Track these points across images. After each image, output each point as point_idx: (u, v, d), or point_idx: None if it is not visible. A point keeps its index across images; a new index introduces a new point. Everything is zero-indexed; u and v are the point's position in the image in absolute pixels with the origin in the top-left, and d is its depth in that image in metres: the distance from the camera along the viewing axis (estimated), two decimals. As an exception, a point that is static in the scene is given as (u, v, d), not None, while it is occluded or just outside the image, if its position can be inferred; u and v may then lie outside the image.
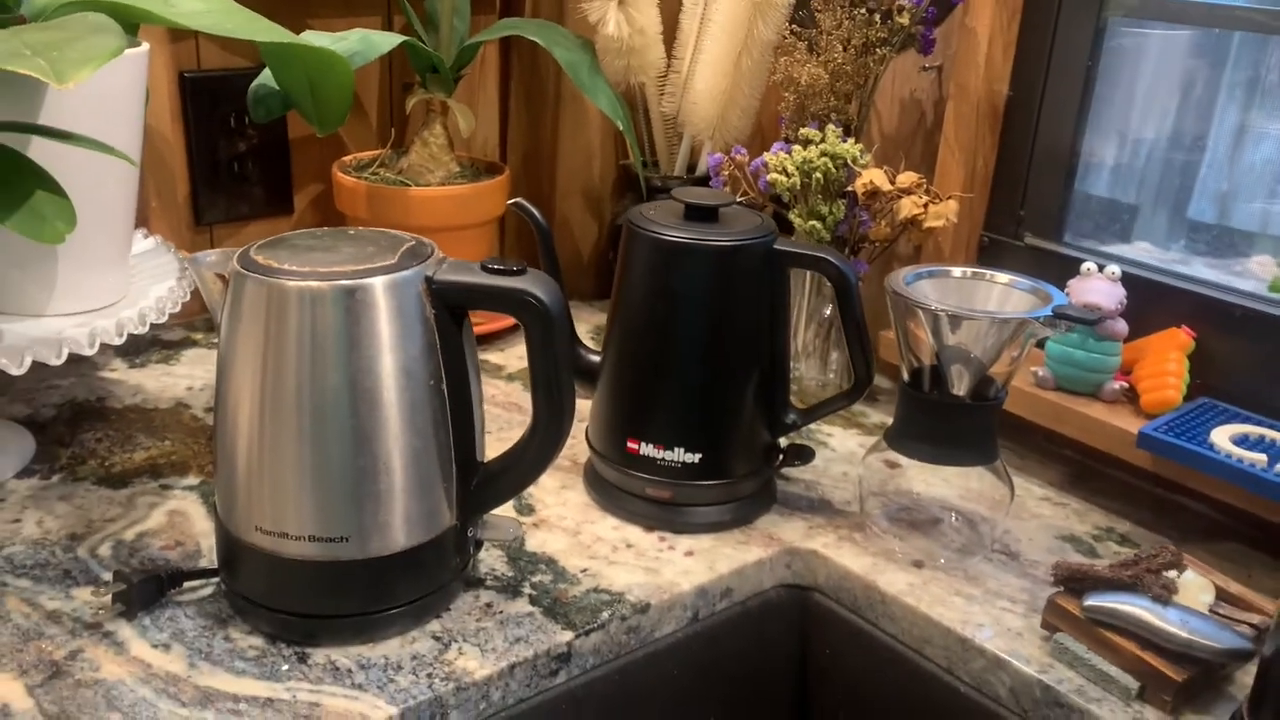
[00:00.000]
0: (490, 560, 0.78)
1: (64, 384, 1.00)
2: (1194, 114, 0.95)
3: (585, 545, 0.81)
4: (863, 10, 0.98)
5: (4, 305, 0.82)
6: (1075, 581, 0.72)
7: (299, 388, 0.64)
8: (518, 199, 0.86)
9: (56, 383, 1.00)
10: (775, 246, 0.81)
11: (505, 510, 0.80)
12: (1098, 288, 0.90)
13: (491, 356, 1.13)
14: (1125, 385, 0.91)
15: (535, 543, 0.81)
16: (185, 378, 1.04)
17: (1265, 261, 0.91)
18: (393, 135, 1.23)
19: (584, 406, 0.89)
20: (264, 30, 0.83)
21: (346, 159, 1.17)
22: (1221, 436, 0.82)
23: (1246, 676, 0.69)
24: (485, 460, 0.73)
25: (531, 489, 0.87)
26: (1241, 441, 0.82)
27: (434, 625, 0.71)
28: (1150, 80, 0.98)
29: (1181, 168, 0.97)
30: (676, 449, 0.81)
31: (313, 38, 0.98)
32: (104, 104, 0.79)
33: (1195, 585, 0.72)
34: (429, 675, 0.66)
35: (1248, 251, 0.93)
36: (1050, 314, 0.74)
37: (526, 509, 0.85)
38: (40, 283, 0.81)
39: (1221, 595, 0.73)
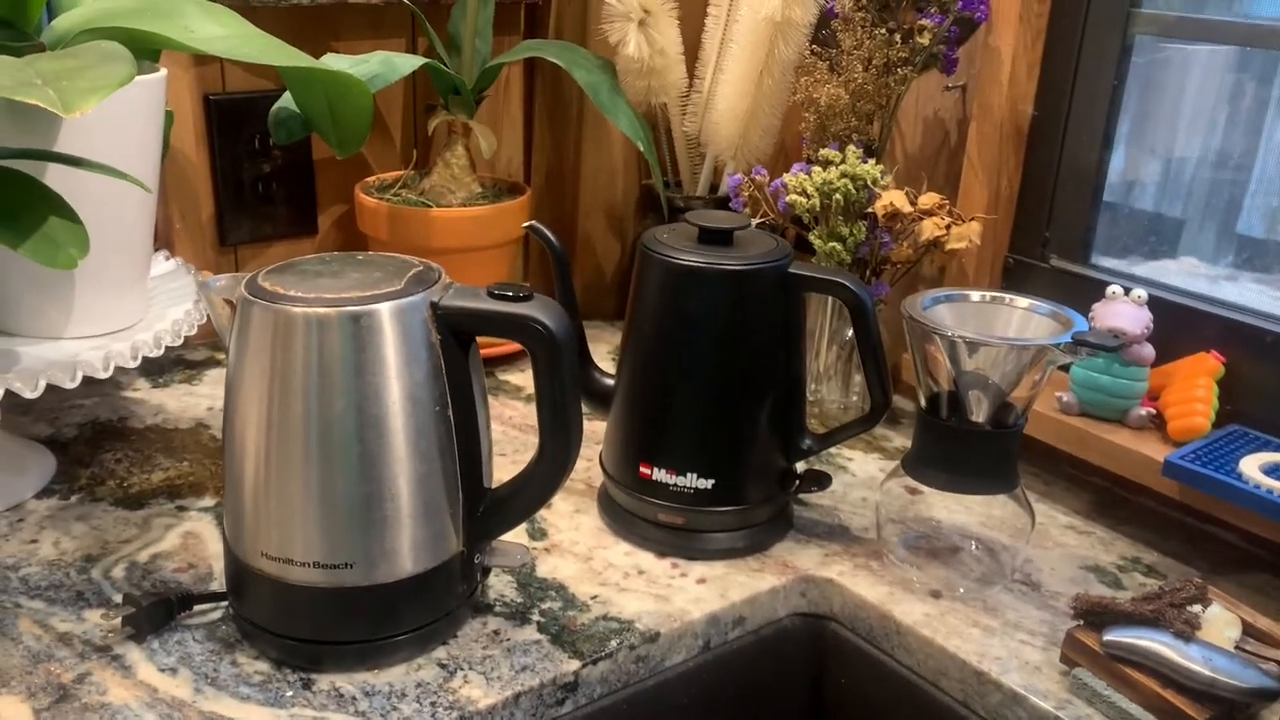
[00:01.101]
0: (500, 586, 0.78)
1: (87, 403, 1.02)
2: (1242, 128, 0.93)
3: (596, 571, 0.80)
4: (883, 30, 0.97)
5: (22, 328, 0.83)
6: (1095, 615, 0.71)
7: (305, 414, 0.64)
8: (532, 222, 0.85)
9: (80, 402, 1.02)
10: (790, 270, 0.80)
11: (516, 535, 0.80)
12: (1123, 312, 0.88)
13: (511, 378, 1.13)
14: (1152, 411, 0.89)
15: (546, 568, 0.80)
16: (207, 398, 1.04)
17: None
18: (415, 156, 1.24)
19: (599, 430, 0.88)
20: (283, 55, 0.84)
21: (369, 180, 1.17)
22: (1251, 466, 0.80)
23: (1274, 716, 0.67)
24: (493, 486, 0.72)
25: (544, 513, 0.87)
26: (1272, 471, 0.80)
27: (440, 652, 0.70)
28: (1196, 95, 0.97)
29: (1230, 182, 0.95)
30: (689, 474, 0.80)
31: (333, 61, 0.99)
32: (121, 129, 0.80)
33: (1221, 620, 0.70)
34: (433, 704, 0.66)
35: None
36: (1070, 340, 0.73)
37: (539, 533, 0.85)
38: (58, 306, 0.82)
39: (1249, 631, 0.71)
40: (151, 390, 1.05)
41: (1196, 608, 0.70)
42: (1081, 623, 0.71)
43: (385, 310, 0.64)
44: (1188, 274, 0.96)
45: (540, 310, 0.66)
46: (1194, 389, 0.86)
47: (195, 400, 1.04)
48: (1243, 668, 0.66)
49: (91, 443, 0.95)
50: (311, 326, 0.63)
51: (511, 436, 1.00)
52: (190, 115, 1.09)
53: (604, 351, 1.17)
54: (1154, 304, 0.89)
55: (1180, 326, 0.90)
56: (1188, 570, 0.84)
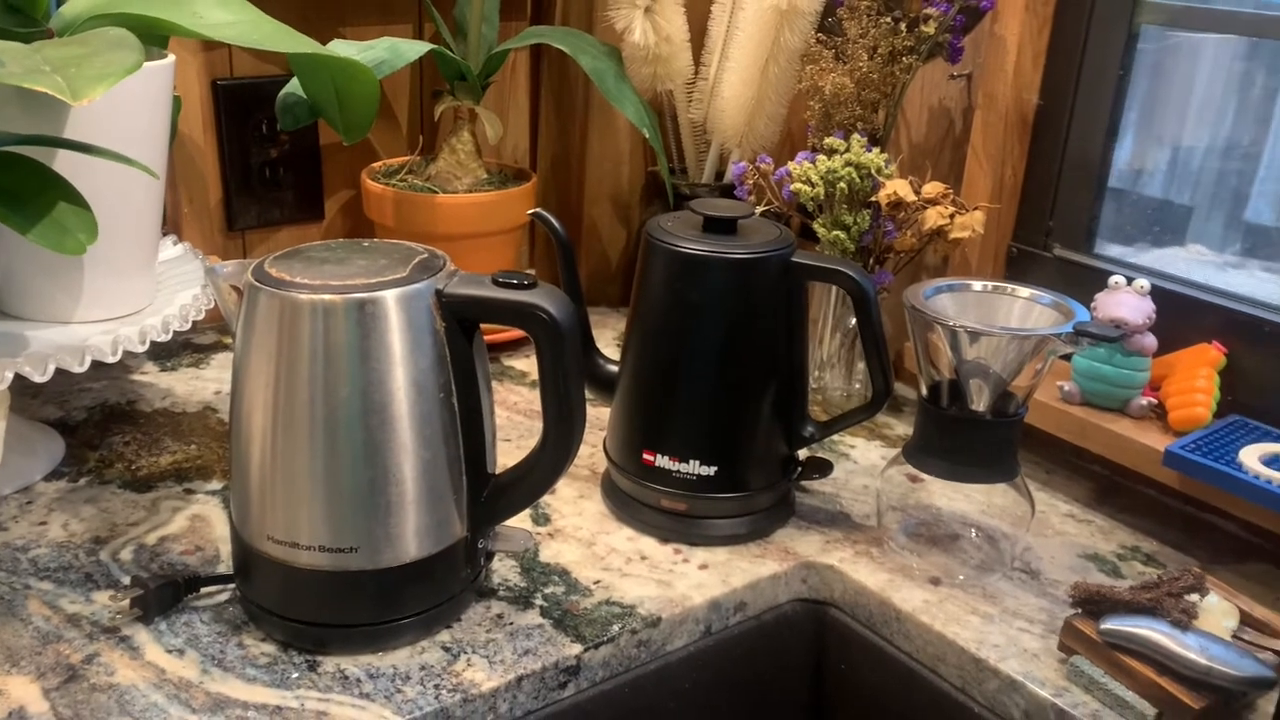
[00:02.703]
0: (504, 570, 0.78)
1: (96, 387, 1.02)
2: (1251, 116, 0.93)
3: (599, 556, 0.81)
4: (889, 19, 0.97)
5: (32, 312, 0.83)
6: (1093, 603, 0.71)
7: (311, 399, 0.64)
8: (537, 209, 0.86)
9: (89, 385, 1.02)
10: (793, 259, 0.80)
11: (520, 520, 0.81)
12: (1125, 301, 0.88)
13: (516, 363, 1.14)
14: (1154, 401, 0.89)
15: (550, 553, 0.81)
16: (214, 381, 1.05)
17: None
18: (421, 142, 1.24)
19: (604, 416, 0.89)
20: (290, 41, 0.84)
21: (376, 165, 1.18)
22: (1251, 456, 0.80)
23: (1269, 704, 0.67)
24: (496, 472, 0.73)
25: (548, 498, 0.87)
26: (1272, 462, 0.80)
27: (444, 636, 0.71)
28: (1206, 82, 0.96)
29: (1238, 170, 0.95)
30: (692, 461, 0.81)
31: (340, 47, 0.99)
32: (129, 115, 0.80)
33: (1218, 610, 0.71)
34: (436, 686, 0.67)
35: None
36: (1071, 330, 0.73)
37: (543, 518, 0.85)
38: (67, 290, 0.83)
39: (1246, 620, 0.71)
40: (160, 374, 1.06)
41: (1194, 597, 0.70)
42: (1080, 611, 0.72)
43: (390, 297, 0.64)
44: (1195, 261, 0.96)
45: (544, 298, 0.66)
46: (1195, 379, 0.86)
47: (203, 384, 1.05)
48: (1239, 657, 0.66)
49: (100, 426, 0.96)
50: (318, 313, 0.64)
51: (516, 422, 1.01)
52: (198, 100, 1.09)
53: (609, 338, 1.18)
54: (1156, 294, 0.89)
55: (1182, 317, 0.90)
56: (1187, 559, 0.85)
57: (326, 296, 0.64)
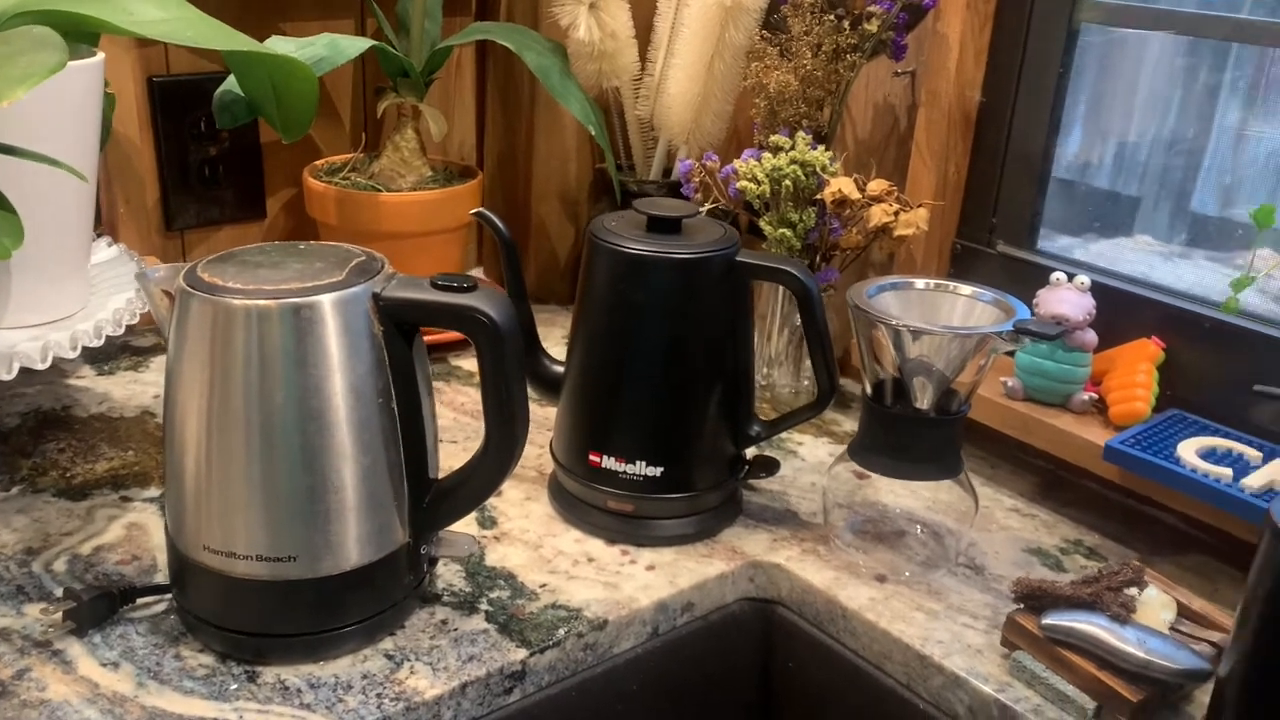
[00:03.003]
0: (449, 575, 0.78)
1: (30, 392, 1.00)
2: (1195, 109, 0.94)
3: (546, 559, 0.80)
4: (832, 16, 0.97)
5: (-41, 318, 0.81)
6: (1035, 599, 0.72)
7: (246, 406, 0.63)
8: (479, 209, 0.85)
9: (22, 391, 1.00)
10: (738, 258, 0.80)
11: (465, 524, 0.80)
12: (1066, 298, 0.89)
13: (463, 363, 1.13)
14: (1095, 396, 0.90)
15: (496, 557, 0.80)
16: (153, 385, 1.03)
17: (1267, 256, 0.89)
18: (365, 139, 1.22)
19: (551, 417, 0.88)
20: (224, 38, 0.82)
21: (318, 163, 1.16)
22: (1188, 450, 0.81)
23: (1205, 695, 0.68)
24: (440, 476, 0.72)
25: (494, 501, 0.87)
26: (1208, 455, 0.81)
27: (387, 643, 0.70)
28: (1150, 75, 0.97)
29: (1184, 161, 0.96)
30: (638, 462, 0.81)
31: (278, 43, 0.98)
32: (56, 115, 0.78)
33: (1157, 603, 0.72)
34: (379, 695, 0.66)
35: (1248, 245, 0.91)
36: (1012, 328, 0.74)
37: (489, 521, 0.85)
38: (-5, 295, 0.81)
39: (1184, 612, 0.72)
40: (97, 378, 1.04)
41: (1133, 590, 0.71)
42: (1022, 606, 0.73)
43: (327, 302, 0.63)
44: (1143, 251, 0.97)
45: (484, 301, 0.66)
46: (1135, 374, 0.87)
47: (141, 388, 1.02)
48: (1175, 649, 0.67)
49: (34, 432, 0.93)
50: (251, 318, 0.62)
51: (463, 424, 1.00)
52: (133, 98, 1.07)
53: (558, 336, 1.17)
54: (1097, 290, 0.90)
55: (1122, 312, 0.91)
56: (1127, 552, 0.86)
57: (260, 301, 0.62)
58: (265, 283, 0.64)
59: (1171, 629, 0.70)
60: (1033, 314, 0.87)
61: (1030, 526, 0.89)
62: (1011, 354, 0.92)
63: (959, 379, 0.77)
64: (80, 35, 0.83)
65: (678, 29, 1.11)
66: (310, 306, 0.63)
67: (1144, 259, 0.96)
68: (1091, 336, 0.90)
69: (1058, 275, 0.91)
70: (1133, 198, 1.01)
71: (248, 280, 0.64)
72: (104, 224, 1.08)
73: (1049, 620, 0.70)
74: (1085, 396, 0.90)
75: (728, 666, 0.83)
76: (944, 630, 0.75)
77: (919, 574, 0.81)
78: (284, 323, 0.63)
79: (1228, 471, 0.78)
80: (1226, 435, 0.84)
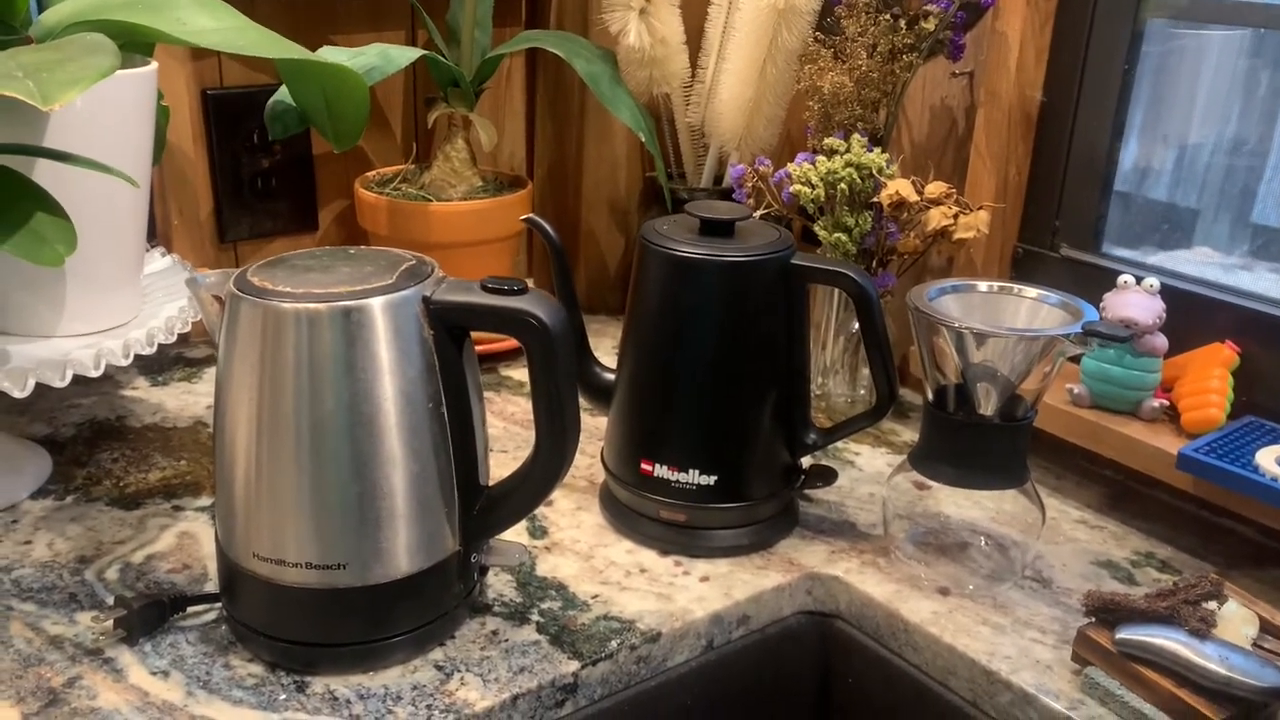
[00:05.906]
0: (499, 585, 0.76)
1: (86, 403, 1.01)
2: (1257, 115, 0.91)
3: (598, 570, 0.79)
4: (888, 16, 0.95)
5: (14, 327, 0.82)
6: (1107, 612, 0.69)
7: (296, 411, 0.63)
8: (529, 215, 0.84)
9: (78, 401, 1.00)
10: (792, 261, 0.78)
11: (515, 533, 0.79)
12: (1135, 301, 0.86)
13: (513, 373, 1.12)
14: (1166, 403, 0.87)
15: (546, 567, 0.79)
16: (205, 396, 1.03)
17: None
18: (415, 150, 1.22)
19: (602, 426, 0.87)
20: (277, 47, 0.82)
21: (369, 174, 1.16)
22: (1267, 458, 0.78)
23: (1292, 716, 0.65)
24: (489, 484, 0.71)
25: (545, 510, 0.85)
26: (1289, 463, 0.78)
27: (437, 654, 0.69)
28: (1211, 81, 0.94)
29: (1245, 170, 0.92)
30: (691, 470, 0.79)
31: (329, 53, 0.98)
32: (110, 123, 0.78)
33: (1237, 617, 0.68)
34: (428, 706, 0.65)
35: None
36: (1080, 331, 0.71)
37: (539, 531, 0.83)
38: (50, 304, 0.81)
39: (1266, 628, 0.69)
40: (151, 389, 1.04)
41: (1212, 604, 0.68)
42: (1093, 620, 0.70)
43: (377, 305, 0.62)
44: (1202, 263, 0.94)
45: (534, 304, 0.64)
46: (1208, 380, 0.84)
47: (194, 398, 1.03)
48: (1260, 666, 0.64)
49: (89, 442, 0.94)
50: (301, 322, 0.62)
51: (514, 433, 0.99)
52: (188, 111, 1.08)
53: (608, 346, 1.16)
54: (1167, 293, 0.87)
55: (1194, 316, 0.88)
56: (1203, 565, 0.83)
57: (311, 305, 0.62)
58: (315, 286, 0.63)
59: (1254, 645, 0.67)
60: (1100, 318, 0.85)
61: (1099, 538, 0.86)
62: (1078, 359, 0.89)
63: (1024, 385, 0.74)
64: (134, 45, 0.83)
65: (729, 33, 1.10)
66: (360, 310, 0.62)
67: (1204, 271, 0.93)
68: (1162, 341, 0.86)
69: (1125, 278, 0.88)
70: (1191, 209, 0.98)
71: (297, 284, 0.63)
72: (158, 236, 1.09)
73: (1123, 635, 0.67)
74: (1156, 403, 0.87)
75: (785, 681, 0.81)
76: (1011, 645, 0.72)
77: (983, 587, 0.78)
78: (334, 326, 0.62)
79: (1310, 480, 0.75)
80: (1308, 443, 0.80)
